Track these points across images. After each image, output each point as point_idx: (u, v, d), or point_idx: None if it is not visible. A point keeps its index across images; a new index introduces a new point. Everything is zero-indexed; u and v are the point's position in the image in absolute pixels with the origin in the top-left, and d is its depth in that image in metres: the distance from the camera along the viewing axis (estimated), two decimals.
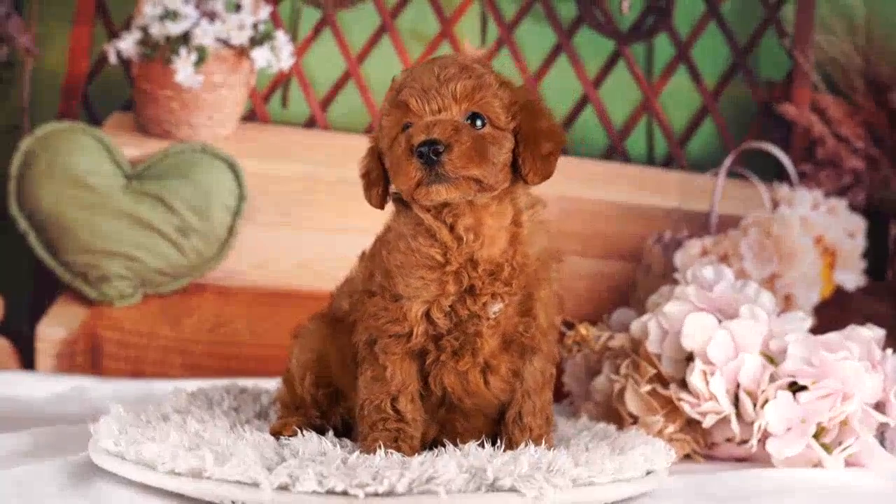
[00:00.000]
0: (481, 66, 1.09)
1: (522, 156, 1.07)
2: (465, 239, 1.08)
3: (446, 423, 1.14)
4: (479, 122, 1.06)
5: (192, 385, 1.39)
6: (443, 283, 1.08)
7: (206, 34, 1.67)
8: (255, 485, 0.98)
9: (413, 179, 1.04)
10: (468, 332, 1.09)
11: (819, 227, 1.72)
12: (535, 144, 1.07)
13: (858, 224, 1.77)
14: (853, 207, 1.78)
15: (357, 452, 1.06)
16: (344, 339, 1.16)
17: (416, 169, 1.03)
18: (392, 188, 1.11)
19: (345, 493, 0.96)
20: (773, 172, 1.79)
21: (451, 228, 1.08)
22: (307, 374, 1.19)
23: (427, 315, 1.08)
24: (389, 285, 1.10)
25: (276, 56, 1.71)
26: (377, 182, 1.11)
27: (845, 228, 1.76)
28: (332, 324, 1.20)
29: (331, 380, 1.19)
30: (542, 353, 1.13)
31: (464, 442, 1.10)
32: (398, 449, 1.07)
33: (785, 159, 1.77)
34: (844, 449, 1.25)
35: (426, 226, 1.09)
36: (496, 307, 1.09)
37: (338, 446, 1.09)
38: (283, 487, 0.97)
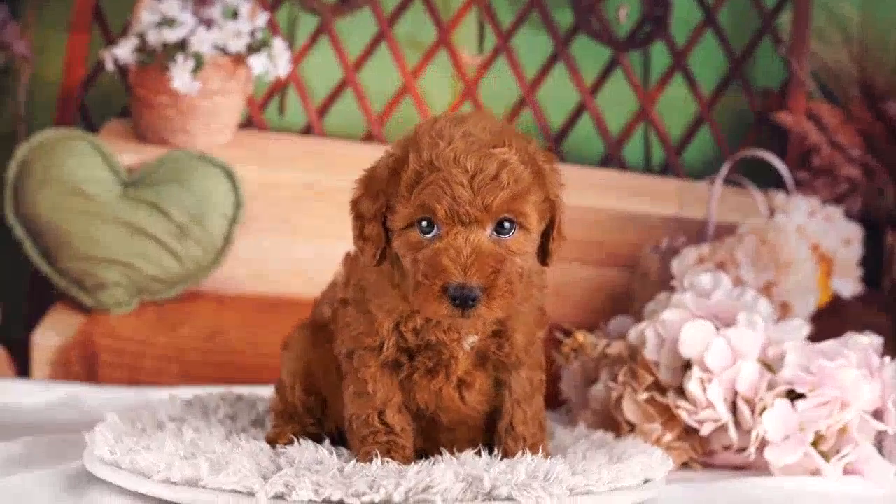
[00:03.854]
0: (516, 148, 0.98)
1: (548, 248, 1.03)
2: None
3: (429, 435, 1.13)
4: (507, 225, 0.99)
5: (187, 393, 1.38)
6: (413, 313, 1.05)
7: (203, 41, 1.67)
8: (251, 494, 0.98)
9: (440, 315, 0.99)
10: (443, 356, 1.08)
11: (815, 235, 1.72)
12: (559, 232, 1.03)
13: (855, 232, 1.77)
14: (849, 215, 1.78)
15: (353, 461, 1.05)
16: (327, 346, 1.15)
17: (447, 308, 0.97)
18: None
19: (341, 503, 0.96)
20: (769, 180, 1.79)
21: None
22: (297, 383, 1.19)
23: (398, 328, 1.07)
24: (362, 299, 1.09)
25: (274, 63, 1.71)
26: (376, 242, 1.02)
27: (842, 236, 1.75)
28: (316, 331, 1.19)
29: (320, 387, 1.19)
30: (527, 364, 1.11)
31: (449, 453, 1.09)
32: (392, 459, 1.06)
33: (781, 167, 1.77)
34: (843, 457, 1.25)
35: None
36: (471, 339, 1.08)
37: (334, 455, 1.08)
38: (279, 497, 0.97)
